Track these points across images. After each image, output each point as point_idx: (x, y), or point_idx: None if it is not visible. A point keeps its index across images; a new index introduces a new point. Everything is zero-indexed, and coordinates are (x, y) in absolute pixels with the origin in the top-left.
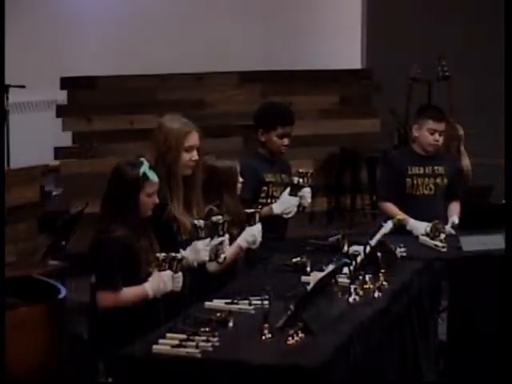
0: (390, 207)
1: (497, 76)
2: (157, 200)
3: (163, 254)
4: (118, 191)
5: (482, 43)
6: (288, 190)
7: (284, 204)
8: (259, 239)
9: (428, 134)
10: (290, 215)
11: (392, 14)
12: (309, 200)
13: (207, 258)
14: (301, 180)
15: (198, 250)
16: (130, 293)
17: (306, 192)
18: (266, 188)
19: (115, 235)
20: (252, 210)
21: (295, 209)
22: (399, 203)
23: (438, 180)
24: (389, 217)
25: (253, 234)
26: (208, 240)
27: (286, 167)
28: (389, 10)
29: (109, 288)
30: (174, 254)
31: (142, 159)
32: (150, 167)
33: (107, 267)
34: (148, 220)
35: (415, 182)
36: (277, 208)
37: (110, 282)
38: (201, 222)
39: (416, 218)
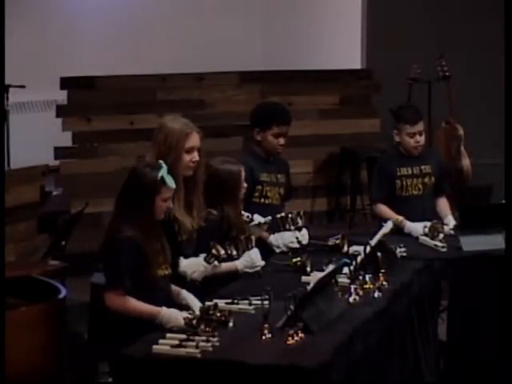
0: (385, 209)
1: (497, 76)
2: (171, 205)
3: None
4: (135, 192)
5: (482, 43)
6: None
7: (279, 240)
8: (258, 263)
9: (408, 138)
10: (281, 250)
11: (392, 14)
12: (306, 240)
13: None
14: (298, 219)
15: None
16: (140, 308)
17: (304, 233)
18: (260, 187)
19: (126, 235)
20: (245, 235)
21: (292, 244)
22: (390, 205)
23: (426, 179)
24: (384, 219)
25: (251, 258)
26: None
27: (284, 167)
28: (389, 10)
29: (118, 289)
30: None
31: (161, 162)
32: (169, 172)
33: (116, 267)
34: (160, 223)
35: (404, 183)
36: (273, 240)
37: (118, 282)
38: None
39: (406, 218)
